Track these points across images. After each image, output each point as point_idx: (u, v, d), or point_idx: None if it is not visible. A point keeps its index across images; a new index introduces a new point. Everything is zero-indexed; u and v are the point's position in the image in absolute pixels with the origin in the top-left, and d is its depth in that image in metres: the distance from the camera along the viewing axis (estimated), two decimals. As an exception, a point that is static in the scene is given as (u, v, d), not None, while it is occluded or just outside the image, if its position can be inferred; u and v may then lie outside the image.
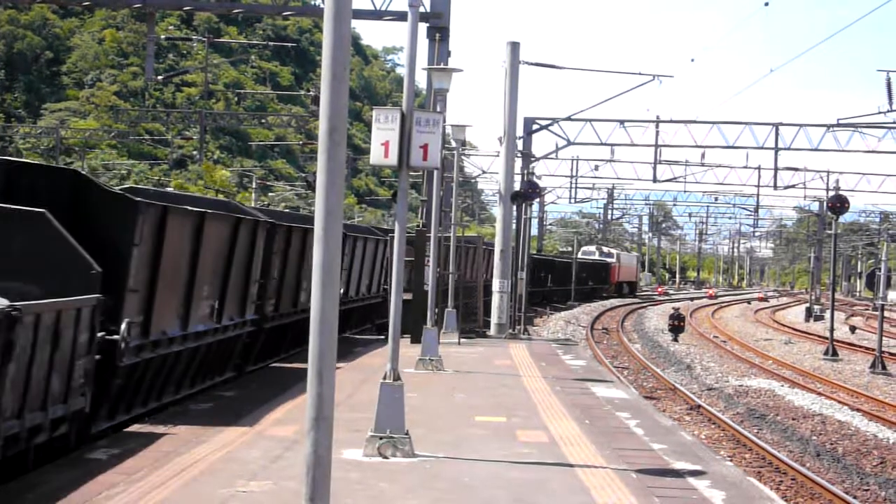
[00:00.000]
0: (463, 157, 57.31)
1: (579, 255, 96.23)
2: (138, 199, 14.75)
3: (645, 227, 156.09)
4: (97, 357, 13.22)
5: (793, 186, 68.98)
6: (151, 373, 15.83)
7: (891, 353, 41.97)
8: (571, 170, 74.29)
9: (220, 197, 53.41)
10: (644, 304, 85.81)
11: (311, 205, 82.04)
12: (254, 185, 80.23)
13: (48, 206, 13.10)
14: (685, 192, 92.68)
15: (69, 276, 12.88)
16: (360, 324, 35.07)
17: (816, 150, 51.45)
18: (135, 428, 14.56)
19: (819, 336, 52.41)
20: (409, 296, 27.38)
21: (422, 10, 27.30)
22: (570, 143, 50.84)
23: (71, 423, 12.79)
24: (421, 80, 37.62)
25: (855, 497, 17.17)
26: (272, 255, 21.44)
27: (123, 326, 13.98)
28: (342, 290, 30.14)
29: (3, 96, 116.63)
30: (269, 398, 17.42)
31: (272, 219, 22.19)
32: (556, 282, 77.79)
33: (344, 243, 28.35)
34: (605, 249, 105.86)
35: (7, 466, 11.14)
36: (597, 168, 71.22)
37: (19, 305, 10.82)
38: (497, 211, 39.79)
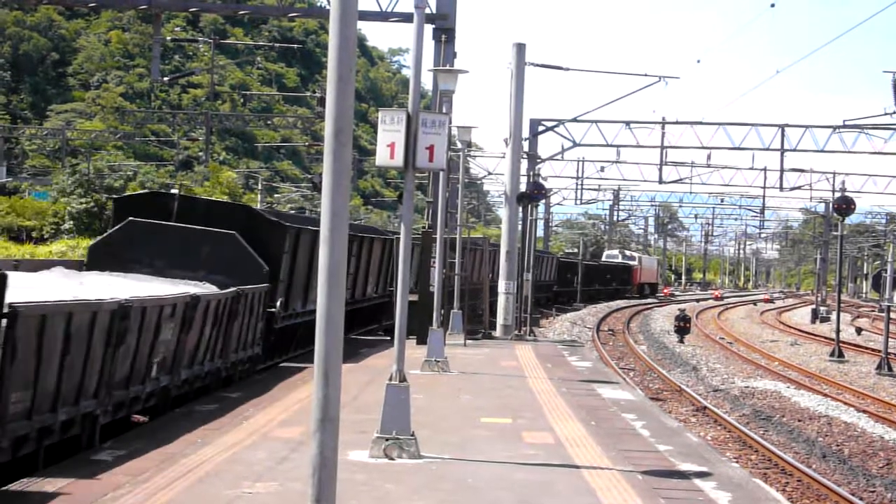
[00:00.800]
0: (469, 159, 57.30)
1: (604, 258, 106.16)
2: (287, 223, 23.27)
3: (651, 229, 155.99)
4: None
5: (799, 188, 68.87)
6: (286, 335, 24.06)
7: (897, 355, 41.91)
8: (577, 171, 74.30)
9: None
10: (650, 306, 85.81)
11: (316, 206, 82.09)
12: (259, 187, 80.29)
13: (235, 228, 21.55)
14: (691, 193, 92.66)
15: (250, 272, 21.07)
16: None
17: (822, 151, 51.43)
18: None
19: (825, 337, 52.35)
20: (415, 297, 27.40)
21: (428, 11, 27.29)
22: (575, 144, 50.86)
23: (251, 362, 21.18)
24: (427, 82, 37.48)
25: (861, 499, 17.15)
26: (350, 257, 27.92)
27: (279, 303, 22.35)
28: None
29: (9, 98, 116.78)
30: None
31: (352, 231, 28.95)
32: (584, 282, 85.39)
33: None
34: (628, 253, 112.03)
35: (227, 380, 19.44)
36: (602, 169, 71.28)
37: (244, 289, 19.51)
38: (503, 212, 39.78)
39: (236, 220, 22.11)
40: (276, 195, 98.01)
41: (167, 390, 16.13)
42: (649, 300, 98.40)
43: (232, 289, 18.99)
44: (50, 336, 11.59)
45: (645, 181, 70.57)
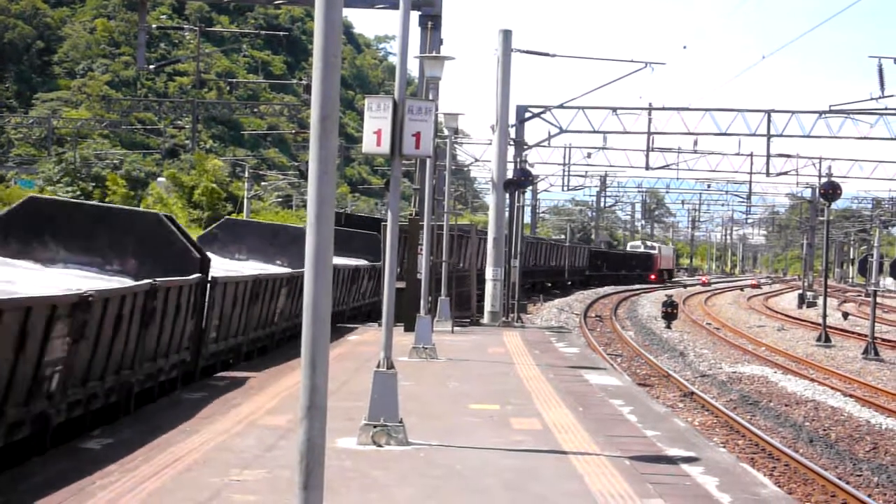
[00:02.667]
0: (455, 146, 57.23)
1: (628, 248, 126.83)
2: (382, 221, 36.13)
3: (638, 215, 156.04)
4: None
5: (785, 173, 68.85)
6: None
7: (883, 339, 42.05)
8: (564, 157, 74.14)
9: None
10: (637, 292, 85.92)
11: (303, 194, 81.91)
12: (246, 175, 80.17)
13: (373, 230, 37.07)
14: (678, 179, 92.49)
15: (376, 254, 35.53)
16: None
17: (808, 136, 51.34)
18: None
19: (812, 322, 52.51)
20: (402, 284, 27.38)
21: (413, -2, 27.18)
22: (562, 130, 50.74)
23: (374, 305, 36.24)
24: (413, 69, 37.39)
25: (848, 483, 17.21)
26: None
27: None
28: None
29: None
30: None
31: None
32: (608, 268, 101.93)
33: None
34: (648, 243, 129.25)
35: (368, 314, 36.46)
36: (589, 156, 71.14)
37: (376, 264, 35.80)
38: (490, 199, 39.79)
39: (373, 225, 37.87)
40: (262, 183, 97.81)
41: (357, 311, 34.78)
42: (635, 286, 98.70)
43: (379, 263, 34.44)
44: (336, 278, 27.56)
45: (632, 167, 70.36)
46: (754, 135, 52.64)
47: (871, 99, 45.49)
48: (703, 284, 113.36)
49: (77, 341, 12.81)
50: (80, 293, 12.95)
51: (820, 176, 65.52)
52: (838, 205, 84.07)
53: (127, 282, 16.32)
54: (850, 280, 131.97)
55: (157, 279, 15.87)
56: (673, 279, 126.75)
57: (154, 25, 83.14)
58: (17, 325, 11.06)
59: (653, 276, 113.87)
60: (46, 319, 11.82)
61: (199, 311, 18.28)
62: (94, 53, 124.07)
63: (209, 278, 18.40)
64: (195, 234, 28.27)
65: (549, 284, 75.85)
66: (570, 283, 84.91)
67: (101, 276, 17.15)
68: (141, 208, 44.24)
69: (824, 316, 43.63)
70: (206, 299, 18.46)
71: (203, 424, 14.06)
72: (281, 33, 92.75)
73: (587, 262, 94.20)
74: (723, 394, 27.64)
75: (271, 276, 22.97)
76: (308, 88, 52.61)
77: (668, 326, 48.49)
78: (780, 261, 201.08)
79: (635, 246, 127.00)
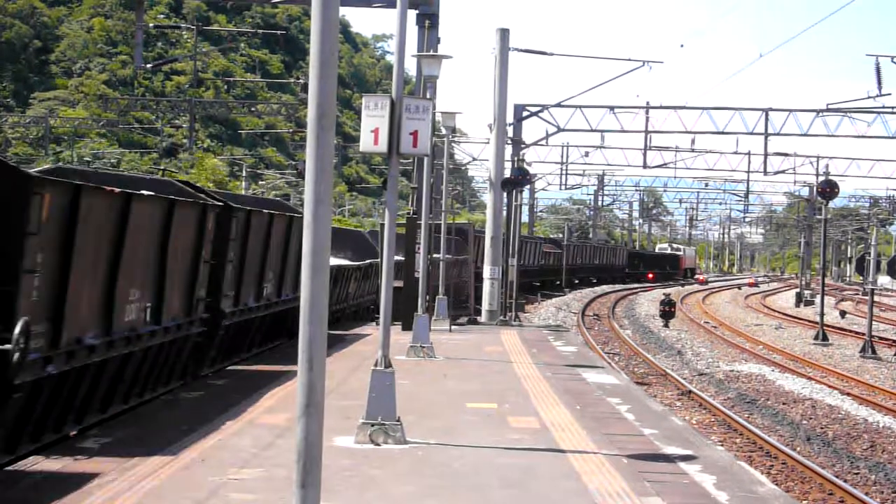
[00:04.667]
0: (453, 144, 57.19)
1: (657, 249, 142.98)
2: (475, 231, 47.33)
3: (635, 214, 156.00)
4: None
5: (783, 172, 68.83)
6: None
7: (880, 338, 42.06)
8: (561, 156, 74.12)
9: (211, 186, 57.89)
10: (635, 290, 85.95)
11: (300, 193, 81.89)
12: (244, 174, 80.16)
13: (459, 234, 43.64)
14: (675, 178, 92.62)
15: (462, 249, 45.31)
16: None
17: (806, 135, 51.31)
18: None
19: (809, 321, 52.52)
20: (399, 283, 27.38)
21: (411, -4, 27.12)
22: (560, 129, 50.71)
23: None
24: (411, 68, 37.54)
25: (845, 481, 17.22)
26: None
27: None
28: None
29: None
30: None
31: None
32: (646, 267, 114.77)
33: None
34: (675, 245, 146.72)
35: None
36: (587, 154, 71.14)
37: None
38: (487, 198, 39.79)
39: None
40: (260, 182, 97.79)
41: None
42: (633, 285, 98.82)
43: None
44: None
45: (629, 166, 70.30)
46: (752, 133, 52.64)
47: (869, 97, 45.52)
48: (700, 283, 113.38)
49: (357, 283, 32.04)
50: (361, 263, 33.13)
51: (817, 174, 65.45)
52: (836, 203, 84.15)
53: (351, 263, 32.01)
54: (848, 278, 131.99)
55: (372, 260, 34.31)
56: (694, 276, 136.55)
57: (151, 24, 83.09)
58: (346, 276, 29.82)
59: (650, 276, 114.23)
60: (352, 274, 30.99)
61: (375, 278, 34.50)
62: (91, 52, 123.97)
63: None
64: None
65: (595, 280, 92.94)
66: (610, 278, 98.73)
67: (341, 259, 30.59)
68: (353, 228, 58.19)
69: (822, 314, 43.64)
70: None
71: (200, 423, 14.08)
72: (278, 32, 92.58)
73: (626, 261, 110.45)
74: (720, 392, 27.64)
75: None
76: (305, 87, 52.60)
77: (666, 325, 48.48)
78: (778, 259, 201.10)
79: (663, 248, 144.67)
